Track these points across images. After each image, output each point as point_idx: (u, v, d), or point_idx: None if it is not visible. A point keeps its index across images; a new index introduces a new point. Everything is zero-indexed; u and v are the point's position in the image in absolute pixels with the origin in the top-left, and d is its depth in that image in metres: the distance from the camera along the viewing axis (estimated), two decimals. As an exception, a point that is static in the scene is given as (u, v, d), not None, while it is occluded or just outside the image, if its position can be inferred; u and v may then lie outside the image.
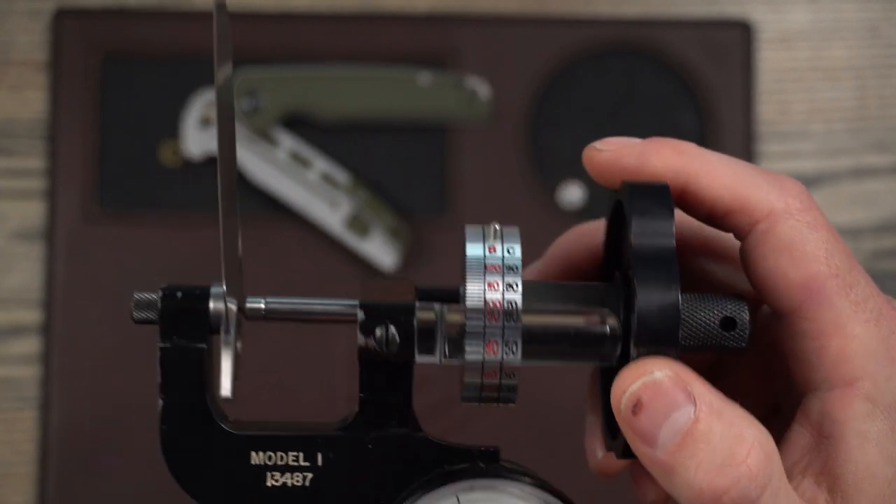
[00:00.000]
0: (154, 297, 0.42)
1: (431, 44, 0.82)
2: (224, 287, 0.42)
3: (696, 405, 0.37)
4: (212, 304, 0.42)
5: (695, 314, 0.40)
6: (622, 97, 0.82)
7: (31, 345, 0.80)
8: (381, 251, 0.80)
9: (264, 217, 0.81)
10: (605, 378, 0.43)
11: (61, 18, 0.81)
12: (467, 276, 0.40)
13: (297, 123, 0.81)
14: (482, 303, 0.40)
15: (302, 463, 0.42)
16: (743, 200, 0.40)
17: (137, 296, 0.42)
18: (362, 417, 0.42)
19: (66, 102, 0.81)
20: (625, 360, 0.39)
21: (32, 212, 0.81)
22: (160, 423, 0.42)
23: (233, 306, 0.42)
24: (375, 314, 0.41)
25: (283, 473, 0.42)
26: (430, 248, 0.81)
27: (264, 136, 0.80)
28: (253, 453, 0.42)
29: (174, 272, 0.80)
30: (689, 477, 0.37)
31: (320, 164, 0.80)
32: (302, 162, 0.80)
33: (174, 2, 0.83)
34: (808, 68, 0.83)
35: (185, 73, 0.81)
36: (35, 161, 0.81)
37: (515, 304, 0.40)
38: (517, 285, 0.40)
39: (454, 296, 0.42)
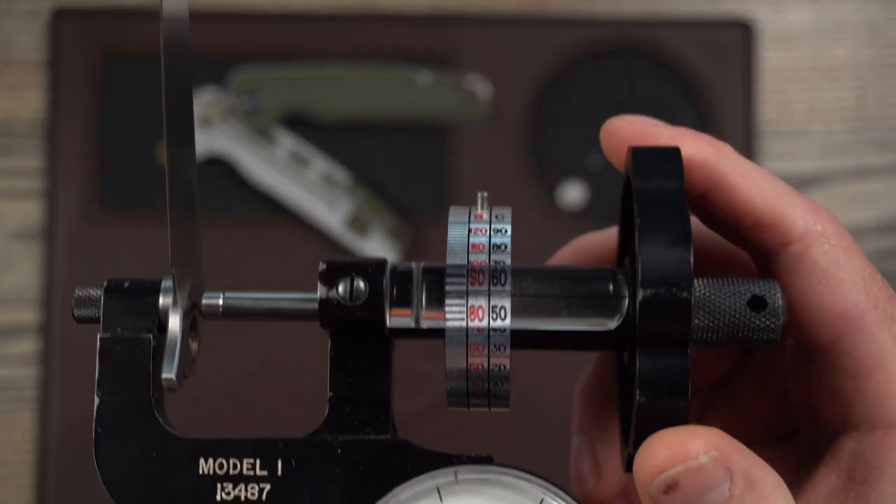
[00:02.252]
0: (97, 292, 0.38)
1: (431, 44, 0.82)
2: (174, 277, 0.38)
3: (732, 481, 0.34)
4: (161, 298, 0.38)
5: (717, 296, 0.36)
6: (622, 97, 0.82)
7: (29, 345, 0.80)
8: (380, 251, 0.80)
9: (264, 216, 0.81)
10: (622, 378, 0.40)
11: (60, 18, 0.81)
12: (450, 233, 0.36)
13: (297, 123, 0.81)
14: (465, 248, 0.35)
15: (258, 472, 0.36)
16: (778, 215, 0.37)
17: (79, 291, 0.38)
18: (332, 419, 0.36)
19: (65, 102, 0.81)
20: (631, 334, 0.35)
21: (31, 211, 0.81)
22: (95, 426, 0.36)
23: (187, 304, 0.38)
24: (340, 266, 0.36)
25: (235, 485, 0.36)
26: (429, 248, 0.81)
27: (264, 135, 0.80)
28: (202, 461, 0.36)
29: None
30: None
31: (320, 163, 0.80)
32: (302, 161, 0.80)
33: (174, 1, 0.83)
34: (809, 68, 0.83)
35: (185, 73, 0.81)
36: (34, 161, 0.81)
37: (504, 265, 0.35)
38: (506, 248, 0.36)
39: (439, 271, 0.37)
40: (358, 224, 0.80)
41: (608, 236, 0.42)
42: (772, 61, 0.82)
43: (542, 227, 0.80)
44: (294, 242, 0.81)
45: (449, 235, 0.36)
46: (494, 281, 0.35)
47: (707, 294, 0.36)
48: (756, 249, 0.38)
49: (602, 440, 0.42)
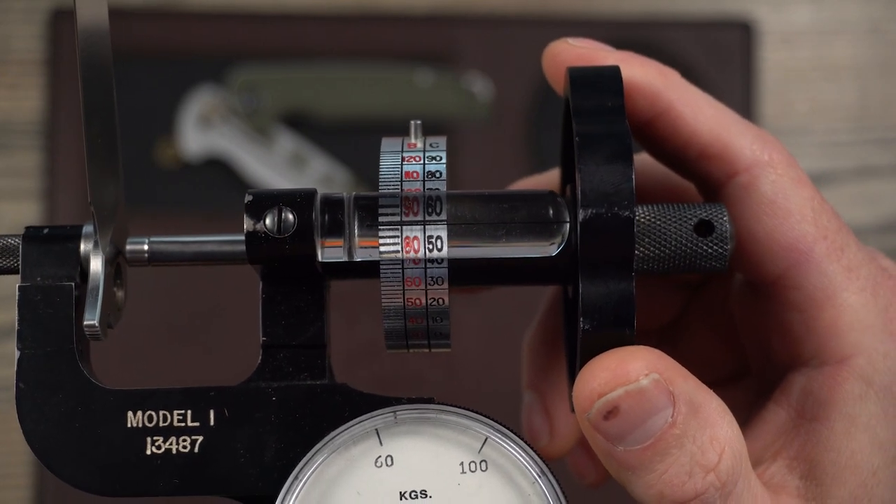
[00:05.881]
0: (15, 240, 0.35)
1: (432, 44, 0.82)
2: (95, 224, 0.35)
3: (674, 406, 0.32)
4: (83, 244, 0.35)
5: (662, 221, 0.34)
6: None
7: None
8: (380, 251, 0.80)
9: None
10: (568, 315, 0.37)
11: (59, 18, 0.81)
12: (382, 162, 0.34)
13: (297, 123, 0.81)
14: (399, 177, 0.34)
15: (190, 423, 0.34)
16: (724, 145, 0.35)
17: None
18: (266, 366, 0.35)
19: (63, 101, 0.81)
20: (574, 262, 0.33)
21: (30, 211, 0.81)
22: (17, 382, 0.35)
23: (110, 249, 0.36)
24: (267, 197, 0.34)
25: (166, 438, 0.34)
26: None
27: (264, 134, 0.80)
28: (130, 413, 0.34)
29: (174, 272, 0.80)
30: (652, 480, 0.32)
31: (320, 163, 0.80)
32: (302, 161, 0.80)
33: (171, 2, 0.83)
34: (810, 67, 0.82)
35: (183, 72, 0.81)
36: (32, 160, 0.81)
37: (439, 192, 0.34)
38: (441, 175, 0.34)
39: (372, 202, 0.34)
40: (358, 224, 0.80)
41: (551, 176, 0.40)
42: (773, 61, 0.82)
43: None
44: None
45: (381, 165, 0.34)
46: (429, 210, 0.33)
47: (651, 220, 0.34)
48: (702, 180, 0.36)
49: (552, 395, 0.41)
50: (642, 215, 0.34)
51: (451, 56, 0.82)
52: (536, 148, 0.81)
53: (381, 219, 0.33)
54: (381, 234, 0.33)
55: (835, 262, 0.34)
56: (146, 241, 0.37)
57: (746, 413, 0.37)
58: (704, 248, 0.34)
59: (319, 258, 0.34)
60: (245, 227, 0.34)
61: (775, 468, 0.35)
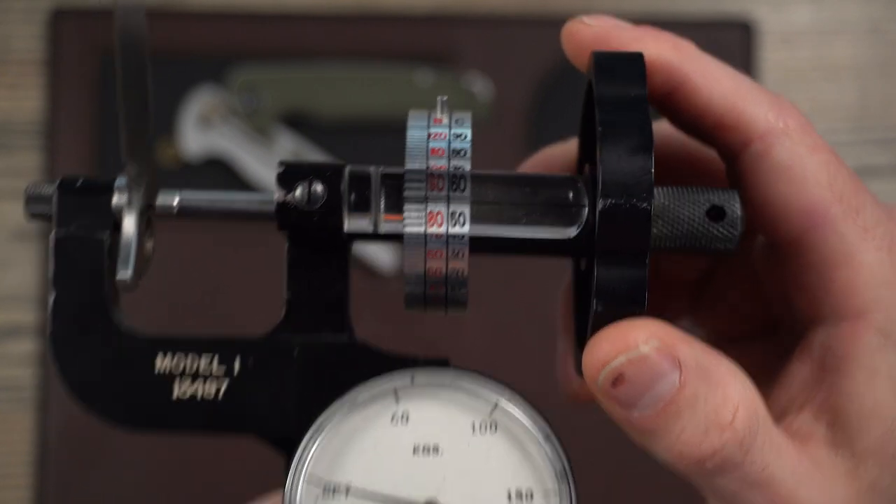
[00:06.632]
0: (50, 189, 0.38)
1: (432, 43, 0.82)
2: (127, 177, 0.37)
3: (681, 370, 0.34)
4: (116, 197, 0.37)
5: (676, 205, 0.36)
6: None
7: (28, 345, 0.80)
8: (380, 251, 0.80)
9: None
10: (579, 285, 0.39)
11: (59, 18, 0.82)
12: (409, 135, 0.36)
13: (297, 122, 0.81)
14: (425, 153, 0.35)
15: (216, 370, 0.36)
16: (739, 114, 0.36)
17: (31, 189, 0.38)
18: (290, 321, 0.36)
19: (63, 101, 0.81)
20: (590, 242, 0.35)
21: (30, 211, 0.81)
22: (50, 324, 0.37)
23: (141, 203, 0.38)
24: (298, 170, 0.35)
25: (193, 382, 0.36)
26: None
27: (264, 134, 0.81)
28: (159, 357, 0.36)
29: (172, 271, 0.80)
30: (670, 441, 0.34)
31: (319, 163, 0.81)
32: (300, 160, 0.80)
33: (172, 1, 0.83)
34: (810, 68, 0.83)
35: (183, 72, 0.81)
36: (33, 160, 0.81)
37: (464, 170, 0.35)
38: (466, 153, 0.36)
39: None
40: (358, 224, 0.80)
41: (570, 147, 0.41)
42: (773, 61, 0.82)
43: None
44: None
45: (408, 138, 0.35)
46: (454, 187, 0.35)
47: (666, 203, 0.35)
48: (722, 149, 0.37)
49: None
50: (658, 198, 0.36)
51: (451, 56, 0.82)
52: (536, 148, 0.81)
53: (406, 193, 0.35)
54: (406, 207, 0.35)
55: (851, 223, 0.36)
56: (177, 194, 0.38)
57: (776, 367, 0.38)
58: (715, 231, 0.36)
59: (345, 229, 0.35)
60: (276, 197, 0.35)
61: (802, 419, 0.36)
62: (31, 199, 0.39)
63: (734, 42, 0.82)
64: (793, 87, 0.82)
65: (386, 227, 0.35)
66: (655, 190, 0.35)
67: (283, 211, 0.35)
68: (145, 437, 0.79)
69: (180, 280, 0.80)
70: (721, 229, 0.35)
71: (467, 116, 0.37)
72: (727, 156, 0.37)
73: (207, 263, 0.81)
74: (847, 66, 0.82)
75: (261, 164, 0.80)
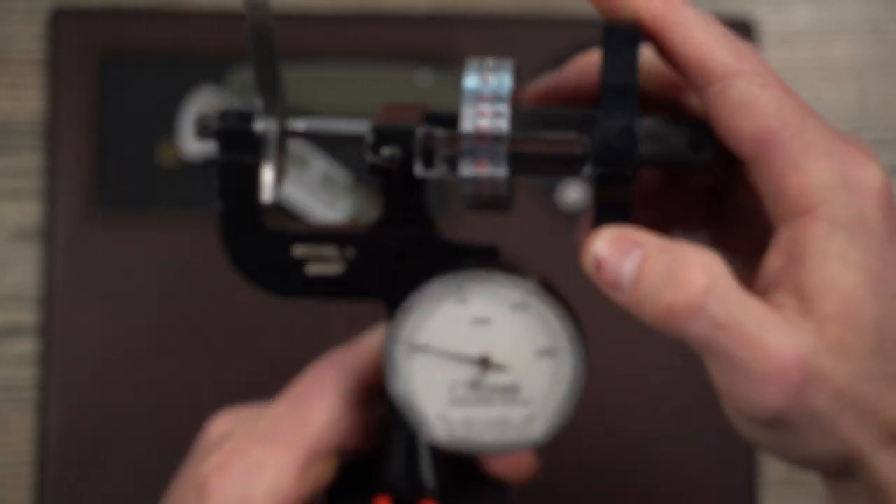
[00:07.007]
0: (213, 116, 0.50)
1: (432, 44, 0.82)
2: (263, 108, 0.50)
3: (643, 248, 0.45)
4: (255, 125, 0.50)
5: (663, 132, 0.47)
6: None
7: (28, 345, 0.80)
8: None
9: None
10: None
11: (59, 18, 0.82)
12: (462, 105, 0.47)
13: (297, 123, 0.81)
14: (474, 128, 0.47)
15: (335, 255, 0.50)
16: (703, 61, 0.46)
17: (200, 114, 0.50)
18: (386, 219, 0.50)
19: (64, 102, 0.81)
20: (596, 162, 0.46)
21: (30, 212, 0.81)
22: (220, 223, 0.50)
23: (274, 126, 0.50)
24: (382, 135, 0.48)
25: (320, 264, 0.50)
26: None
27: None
28: (294, 247, 0.50)
29: (172, 272, 0.80)
30: (650, 305, 0.45)
31: (320, 163, 0.80)
32: (302, 161, 0.80)
33: (172, 1, 0.83)
34: (810, 68, 0.83)
35: (183, 73, 0.81)
36: (33, 161, 0.81)
37: (501, 130, 0.47)
38: (505, 113, 0.47)
39: (456, 118, 0.48)
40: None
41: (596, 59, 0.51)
42: (773, 61, 0.82)
43: (542, 227, 0.80)
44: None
45: (463, 83, 0.48)
46: (494, 141, 0.47)
47: (654, 135, 0.47)
48: (692, 85, 0.47)
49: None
50: (648, 124, 0.47)
51: (451, 56, 0.82)
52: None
53: (462, 150, 0.48)
54: (461, 162, 0.48)
55: (796, 141, 0.46)
56: (302, 121, 0.51)
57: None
58: (693, 157, 0.47)
59: (417, 174, 0.49)
60: (367, 159, 0.48)
61: (777, 296, 0.46)
62: (200, 125, 0.50)
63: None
64: (792, 86, 0.82)
65: (449, 174, 0.48)
66: (646, 119, 0.47)
67: (374, 168, 0.49)
68: (144, 438, 0.79)
69: (180, 280, 0.80)
70: (697, 155, 0.47)
71: (508, 65, 0.48)
72: (696, 92, 0.47)
73: (208, 263, 0.81)
74: (847, 66, 0.82)
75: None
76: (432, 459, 0.54)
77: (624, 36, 0.46)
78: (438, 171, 0.48)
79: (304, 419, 0.53)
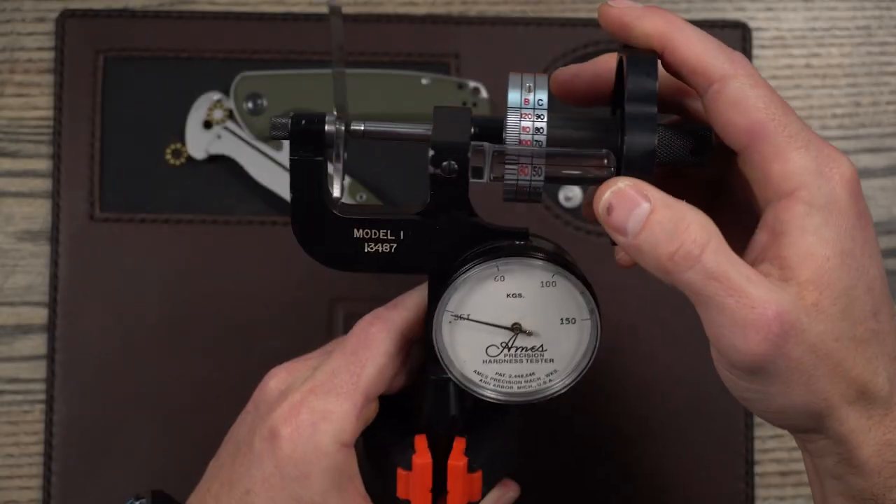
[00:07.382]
0: (286, 121, 0.57)
1: (432, 45, 0.82)
2: (335, 114, 0.57)
3: (651, 202, 0.51)
4: (326, 127, 0.57)
5: (672, 141, 0.56)
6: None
7: (36, 344, 0.81)
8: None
9: (266, 217, 0.81)
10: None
11: (66, 20, 0.81)
12: (507, 119, 0.55)
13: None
14: (517, 142, 0.55)
15: (389, 237, 0.59)
16: (703, 66, 0.54)
17: (273, 119, 0.57)
18: (432, 205, 0.58)
19: (70, 104, 0.81)
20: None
21: (37, 212, 0.81)
22: (292, 211, 0.58)
23: (341, 129, 0.58)
24: (441, 150, 0.57)
25: (375, 244, 0.59)
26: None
27: (267, 137, 0.80)
28: (355, 230, 0.59)
29: (177, 272, 0.80)
30: (650, 250, 0.51)
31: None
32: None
33: (178, 4, 0.82)
34: (803, 70, 0.83)
35: (189, 75, 0.81)
36: (40, 162, 0.81)
37: (541, 144, 0.55)
38: (544, 129, 0.55)
39: (499, 125, 0.56)
40: (359, 224, 0.80)
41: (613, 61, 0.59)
42: (767, 63, 0.83)
43: (543, 227, 0.80)
44: (296, 243, 0.81)
45: (508, 96, 0.56)
46: (536, 143, 0.56)
47: (664, 136, 0.56)
48: (694, 88, 0.55)
49: None
50: (660, 132, 0.56)
51: (452, 58, 0.82)
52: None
53: (507, 160, 0.56)
54: (507, 167, 0.56)
55: (781, 133, 0.53)
56: (363, 124, 0.59)
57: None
58: (695, 159, 0.57)
59: (471, 180, 0.57)
60: (429, 170, 0.57)
61: (764, 266, 0.52)
62: (275, 127, 0.57)
63: (729, 44, 0.82)
64: (786, 90, 0.82)
65: (493, 181, 0.56)
66: (658, 129, 0.54)
67: (434, 176, 0.57)
68: (151, 432, 0.78)
69: (183, 280, 0.80)
70: (700, 156, 0.57)
71: (544, 80, 0.57)
72: (699, 92, 0.55)
73: (210, 264, 0.81)
74: (840, 69, 0.83)
75: (265, 166, 0.80)
76: (460, 404, 0.62)
77: (644, 68, 0.54)
78: (487, 178, 0.56)
79: (359, 371, 0.61)
